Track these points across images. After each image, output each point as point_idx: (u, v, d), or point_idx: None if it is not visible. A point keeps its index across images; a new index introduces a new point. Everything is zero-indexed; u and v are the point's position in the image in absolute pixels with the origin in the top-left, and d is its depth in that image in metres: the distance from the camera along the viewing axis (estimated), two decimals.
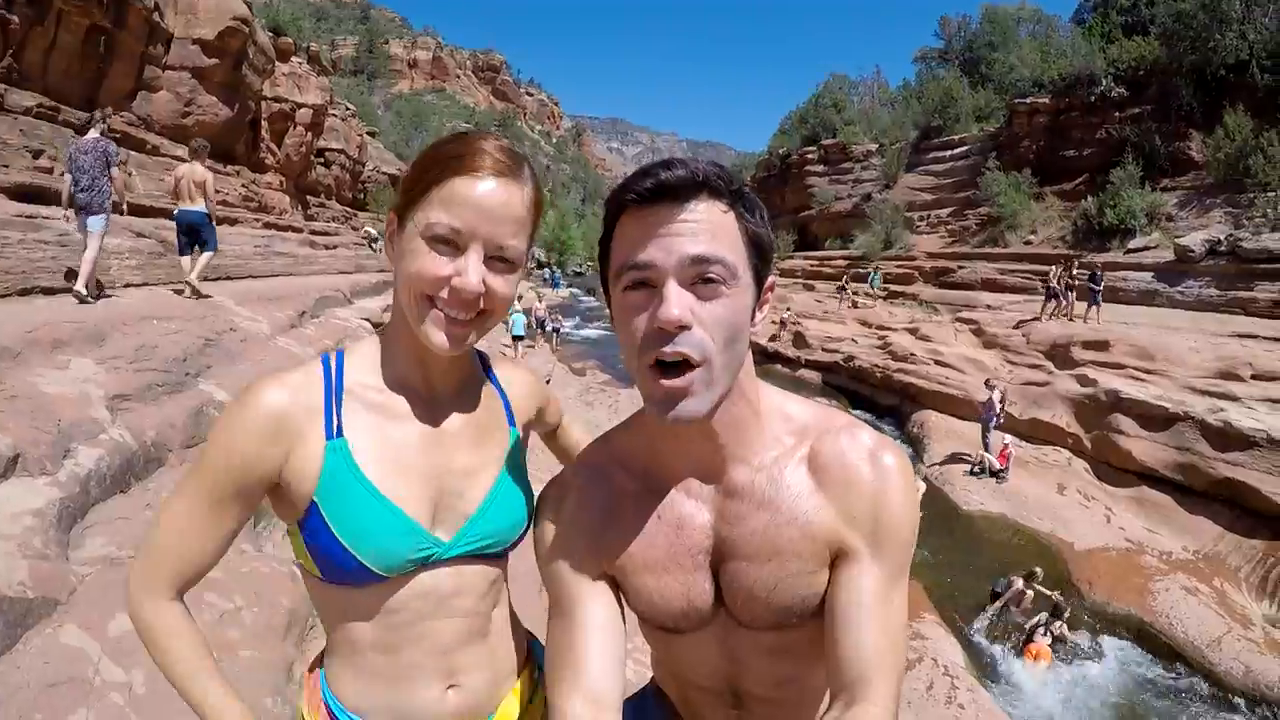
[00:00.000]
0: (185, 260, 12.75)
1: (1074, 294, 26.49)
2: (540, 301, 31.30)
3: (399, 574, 1.57)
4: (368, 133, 61.58)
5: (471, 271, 1.47)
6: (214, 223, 13.18)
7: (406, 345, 1.64)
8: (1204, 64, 31.75)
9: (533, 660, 1.94)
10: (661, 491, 1.62)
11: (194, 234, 12.73)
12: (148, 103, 22.70)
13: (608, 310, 1.54)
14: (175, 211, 12.79)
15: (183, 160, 15.45)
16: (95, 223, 10.58)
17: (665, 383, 1.37)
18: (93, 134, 11.36)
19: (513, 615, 1.89)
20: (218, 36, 24.37)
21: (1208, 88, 31.97)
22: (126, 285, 12.11)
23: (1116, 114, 35.31)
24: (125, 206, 12.42)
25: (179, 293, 12.43)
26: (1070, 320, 26.18)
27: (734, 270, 1.39)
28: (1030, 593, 13.63)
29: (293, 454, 1.53)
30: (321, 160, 43.48)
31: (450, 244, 1.48)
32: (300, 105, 35.53)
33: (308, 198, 39.79)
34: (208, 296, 12.60)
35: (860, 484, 1.51)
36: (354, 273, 27.25)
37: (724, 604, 1.61)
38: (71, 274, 10.51)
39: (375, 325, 16.92)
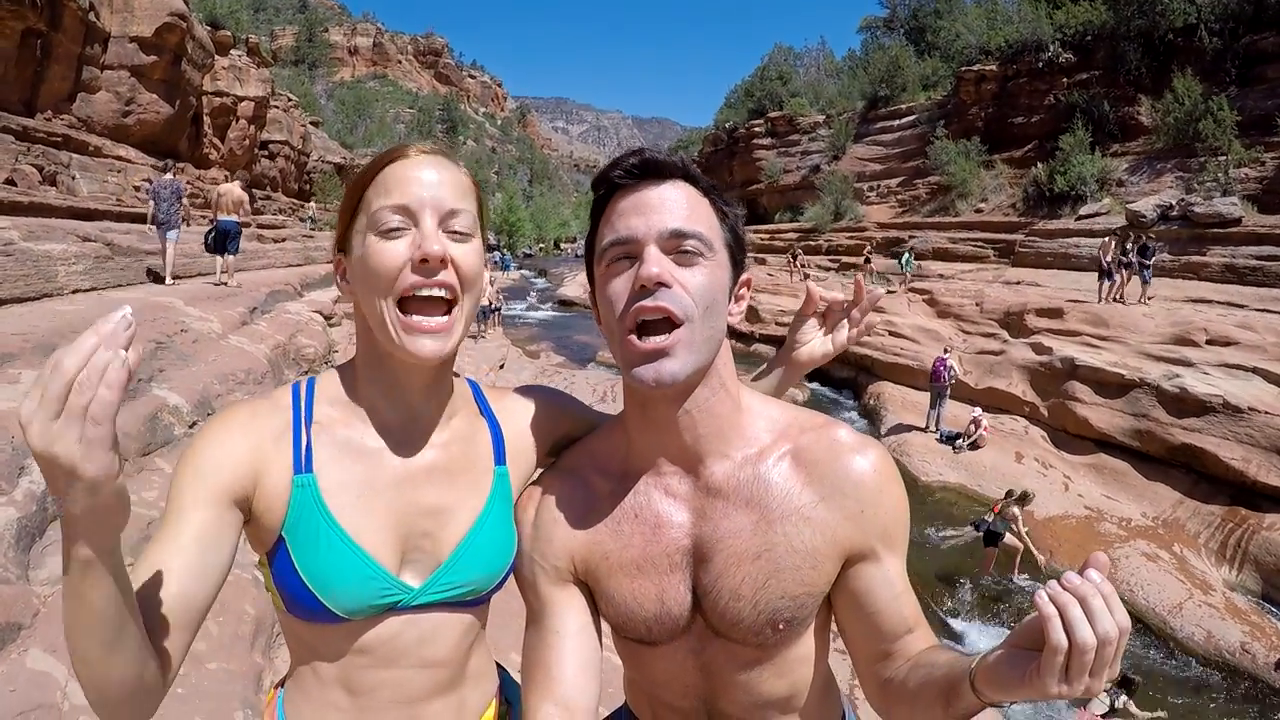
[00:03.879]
0: (219, 259, 16.87)
1: (1128, 271, 23.75)
2: (491, 285, 30.96)
3: (362, 618, 1.50)
4: (311, 123, 61.31)
5: (430, 238, 1.44)
6: (242, 232, 17.84)
7: (377, 375, 1.57)
8: (1152, 28, 31.96)
9: (501, 692, 1.85)
10: (639, 491, 1.63)
11: (224, 238, 16.67)
12: (88, 104, 22.59)
13: (591, 306, 1.63)
14: (216, 221, 16.89)
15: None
16: (171, 235, 15.57)
17: (645, 342, 1.42)
18: (168, 175, 16.73)
19: (486, 652, 1.81)
20: (155, 33, 24.19)
21: (1156, 52, 32.22)
22: (74, 291, 11.92)
23: (1064, 80, 35.49)
24: (189, 222, 16.92)
25: (217, 285, 16.28)
26: (1124, 302, 23.35)
27: (710, 244, 1.47)
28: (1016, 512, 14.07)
29: (260, 480, 1.46)
30: (265, 153, 43.21)
31: (402, 228, 1.45)
32: (242, 98, 35.50)
33: (253, 191, 39.54)
34: (238, 286, 16.62)
35: (861, 487, 1.53)
36: (303, 265, 27.03)
37: (700, 612, 1.59)
38: (150, 273, 15.76)
39: (327, 318, 17.40)
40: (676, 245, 1.44)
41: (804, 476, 1.55)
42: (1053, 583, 1.09)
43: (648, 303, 1.41)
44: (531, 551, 1.65)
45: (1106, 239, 24.12)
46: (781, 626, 1.54)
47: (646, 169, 1.48)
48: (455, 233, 1.48)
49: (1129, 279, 23.72)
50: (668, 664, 1.68)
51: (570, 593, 1.64)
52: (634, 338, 1.43)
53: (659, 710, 1.83)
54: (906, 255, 34.07)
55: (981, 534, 14.48)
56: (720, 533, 1.55)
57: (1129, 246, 23.86)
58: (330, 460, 1.51)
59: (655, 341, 1.41)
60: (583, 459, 1.72)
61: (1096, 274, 24.05)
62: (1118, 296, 23.70)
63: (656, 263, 1.41)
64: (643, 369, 1.42)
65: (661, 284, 1.40)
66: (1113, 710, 10.57)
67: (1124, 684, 10.66)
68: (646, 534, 1.59)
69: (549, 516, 1.66)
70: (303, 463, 1.49)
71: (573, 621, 1.61)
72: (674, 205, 1.46)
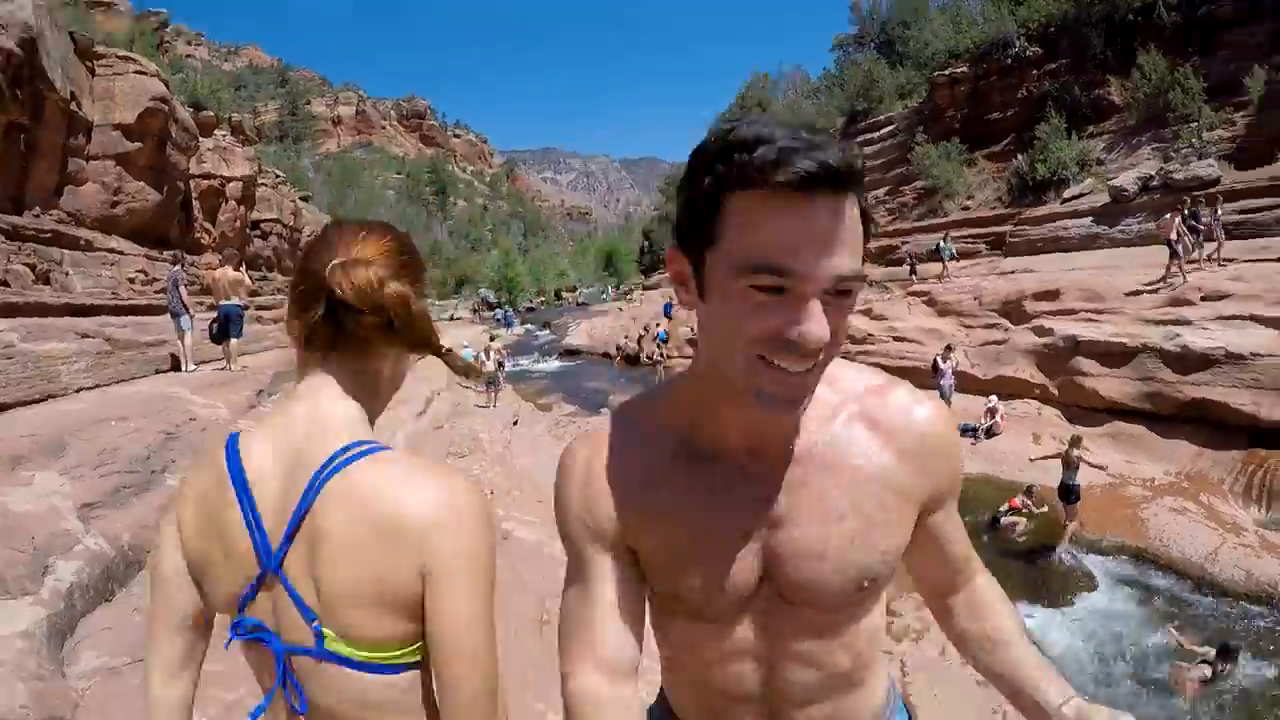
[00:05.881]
0: (225, 344, 16.85)
1: (1193, 236, 21.11)
2: (494, 342, 30.51)
3: None
4: (301, 197, 61.04)
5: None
6: (244, 314, 17.77)
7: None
8: (1112, 11, 32.16)
9: None
10: (704, 455, 1.50)
11: (227, 322, 16.76)
12: (75, 196, 22.27)
13: (678, 288, 1.37)
14: (218, 306, 17.02)
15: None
16: (183, 322, 15.81)
17: (785, 377, 1.23)
18: (176, 268, 16.50)
19: None
20: (138, 119, 24.09)
21: (1118, 34, 32.36)
22: (79, 390, 11.90)
23: (1034, 72, 35.58)
24: (191, 312, 16.43)
25: (222, 370, 16.45)
26: (1198, 265, 20.95)
27: (863, 279, 1.24)
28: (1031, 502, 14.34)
29: None
30: (258, 232, 42.84)
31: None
32: (229, 179, 34.95)
33: (250, 273, 39.64)
34: (243, 369, 16.74)
35: (930, 439, 1.53)
36: None
37: (771, 579, 1.49)
38: (172, 357, 16.16)
39: None
40: (838, 288, 1.19)
41: (880, 438, 1.50)
42: None
43: (800, 359, 1.21)
44: (579, 506, 1.54)
45: (1168, 215, 21.42)
46: (867, 584, 1.48)
47: (822, 177, 1.12)
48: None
49: (1200, 245, 21.17)
50: (724, 642, 1.55)
51: (617, 552, 1.52)
52: (763, 363, 1.23)
53: (708, 698, 1.66)
54: (943, 244, 31.74)
55: (1019, 522, 14.78)
56: (798, 500, 1.46)
57: (1186, 214, 21.18)
58: None
59: (797, 380, 1.24)
60: (644, 412, 1.60)
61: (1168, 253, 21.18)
62: (1212, 258, 21.06)
63: (819, 323, 1.17)
64: (770, 396, 1.25)
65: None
66: (1215, 676, 10.22)
67: (1223, 653, 10.30)
68: (712, 500, 1.48)
69: (601, 470, 1.53)
70: None
71: (615, 581, 1.51)
72: (849, 239, 1.19)
